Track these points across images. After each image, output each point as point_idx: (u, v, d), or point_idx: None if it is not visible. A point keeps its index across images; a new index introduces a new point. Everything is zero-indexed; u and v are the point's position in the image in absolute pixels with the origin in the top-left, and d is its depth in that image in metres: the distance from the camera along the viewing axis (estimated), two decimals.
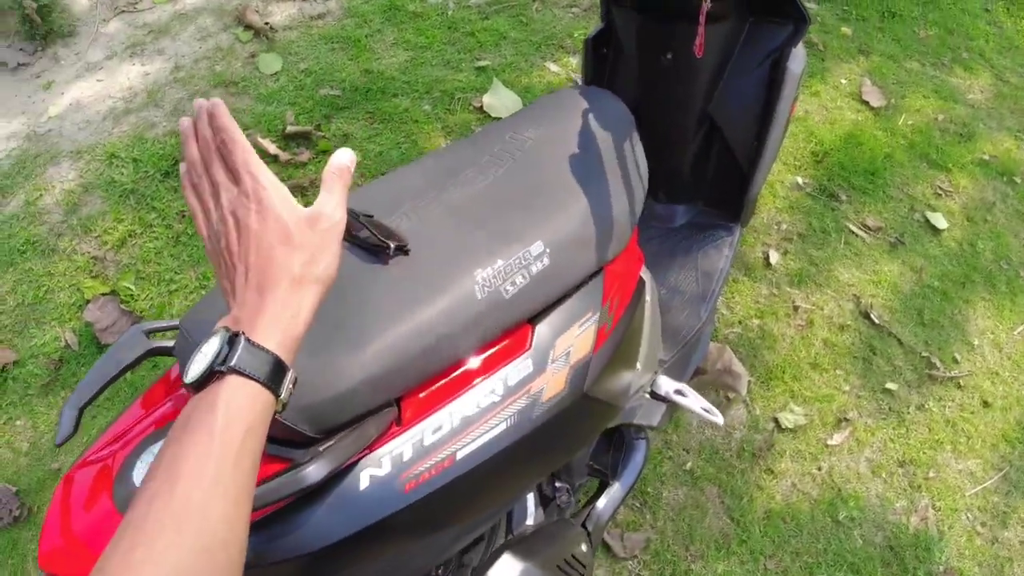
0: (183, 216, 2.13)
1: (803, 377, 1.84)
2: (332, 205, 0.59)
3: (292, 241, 0.55)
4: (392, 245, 0.83)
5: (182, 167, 0.62)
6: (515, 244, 0.88)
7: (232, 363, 0.50)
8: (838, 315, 1.97)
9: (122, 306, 1.98)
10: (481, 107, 2.40)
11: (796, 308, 1.96)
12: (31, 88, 2.46)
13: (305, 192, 2.17)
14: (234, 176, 0.57)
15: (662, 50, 1.42)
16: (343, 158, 0.62)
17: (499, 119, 2.36)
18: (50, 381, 1.91)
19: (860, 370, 1.88)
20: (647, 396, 1.29)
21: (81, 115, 2.36)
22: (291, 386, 0.54)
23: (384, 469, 0.76)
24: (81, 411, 0.84)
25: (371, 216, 0.90)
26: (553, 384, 0.89)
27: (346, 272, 0.84)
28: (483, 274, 0.84)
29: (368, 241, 0.84)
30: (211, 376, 0.51)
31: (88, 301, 1.99)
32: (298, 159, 2.22)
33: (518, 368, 0.86)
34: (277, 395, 0.53)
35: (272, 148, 2.21)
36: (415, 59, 2.53)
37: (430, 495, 0.78)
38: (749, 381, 1.80)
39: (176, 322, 0.91)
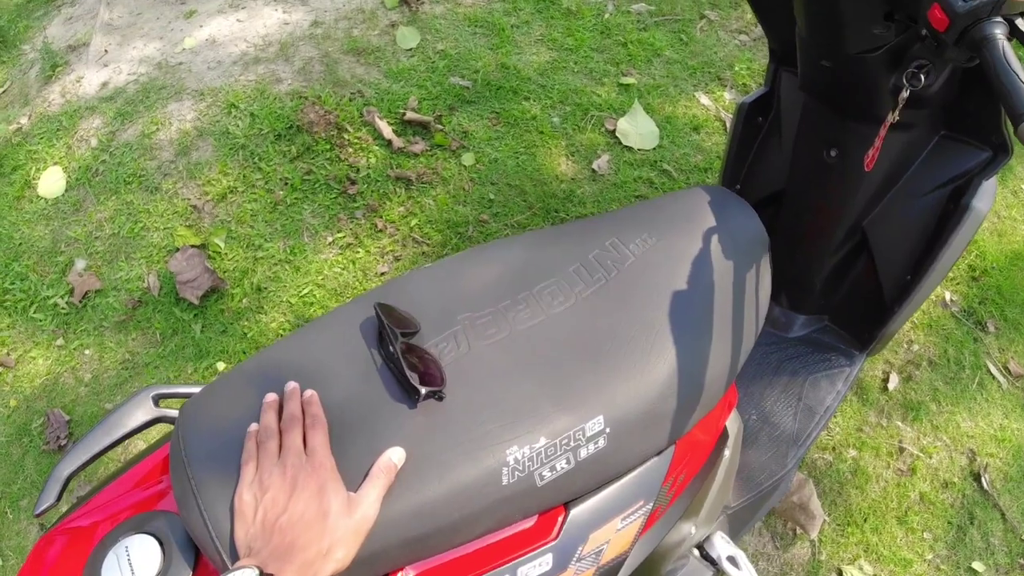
0: (286, 184, 2.11)
1: (885, 531, 1.66)
2: (370, 500, 0.66)
3: (327, 521, 0.63)
4: (423, 392, 0.73)
5: (252, 426, 0.72)
6: (568, 416, 0.75)
7: None
8: (946, 468, 1.76)
9: (207, 263, 1.99)
10: (614, 131, 2.25)
11: (902, 449, 1.77)
12: (174, 14, 2.48)
13: (409, 185, 2.11)
14: (308, 449, 0.68)
15: (827, 143, 1.21)
16: (393, 457, 0.69)
17: (630, 148, 2.23)
18: (125, 319, 1.96)
19: (951, 539, 1.68)
20: (695, 553, 1.17)
21: (214, 54, 2.36)
22: None
23: None
24: (69, 479, 0.80)
25: (416, 332, 0.81)
26: None
27: (366, 409, 0.75)
28: (518, 454, 0.72)
29: (401, 367, 0.75)
30: None
31: (177, 249, 2.02)
32: (410, 148, 2.15)
33: (534, 565, 0.76)
34: None
35: (387, 131, 2.15)
36: (557, 62, 2.40)
37: None
38: (824, 522, 1.64)
39: (189, 388, 0.86)
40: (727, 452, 1.10)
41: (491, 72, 2.34)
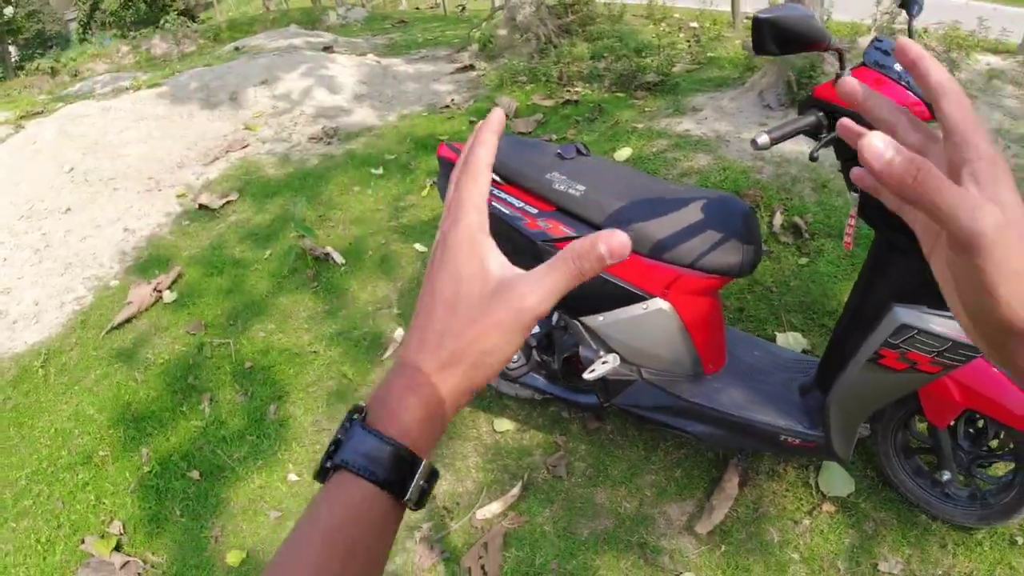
0: None
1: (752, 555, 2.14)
2: (548, 286, 0.44)
3: (457, 302, 0.44)
4: (577, 147, 2.10)
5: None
6: (579, 178, 2.01)
7: (341, 458, 0.43)
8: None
9: None
10: None
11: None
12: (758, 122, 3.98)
13: None
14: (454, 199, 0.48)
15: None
16: (602, 246, 0.43)
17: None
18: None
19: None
20: (592, 342, 2.13)
21: (748, 149, 3.78)
22: (423, 483, 0.45)
23: None
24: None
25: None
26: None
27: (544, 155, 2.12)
28: (557, 177, 2.02)
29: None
30: (326, 471, 0.45)
31: None
32: (781, 235, 3.20)
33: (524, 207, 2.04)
34: (400, 496, 0.44)
35: (777, 220, 3.24)
36: None
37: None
38: (726, 516, 2.22)
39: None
40: (642, 309, 2.03)
41: None
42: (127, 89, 5.88)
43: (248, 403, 2.83)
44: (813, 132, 1.66)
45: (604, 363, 2.09)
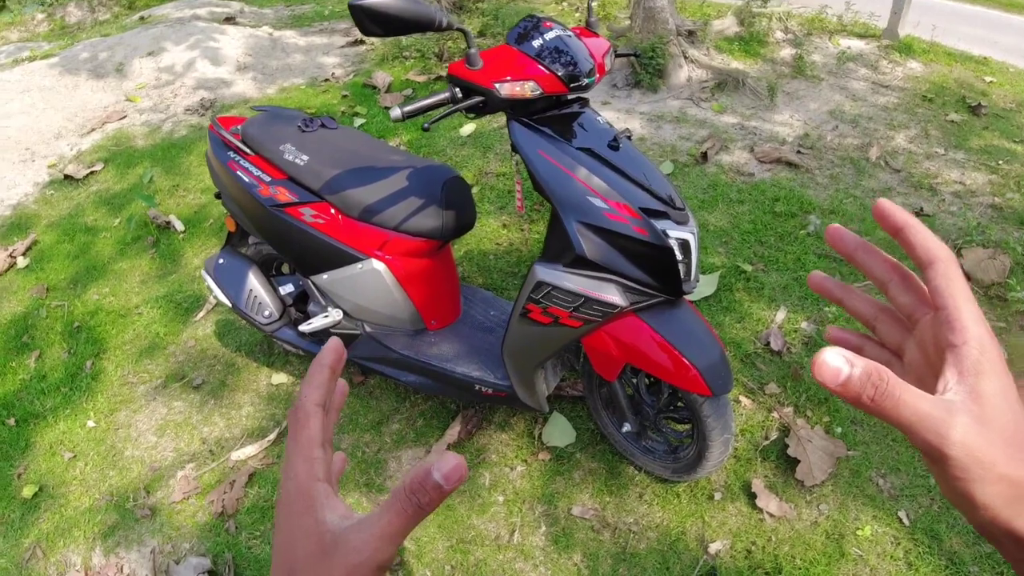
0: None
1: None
2: (380, 533, 0.40)
3: (295, 569, 0.41)
4: (323, 121, 2.43)
5: None
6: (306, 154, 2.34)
7: None
8: None
9: None
10: None
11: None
12: None
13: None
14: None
15: None
16: (449, 465, 0.40)
17: None
18: None
19: None
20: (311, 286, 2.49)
21: None
22: None
23: None
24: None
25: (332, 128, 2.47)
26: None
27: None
28: (292, 154, 2.34)
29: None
30: None
31: None
32: None
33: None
34: None
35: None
36: None
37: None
38: None
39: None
40: (358, 269, 2.33)
41: None
42: (24, 60, 6.11)
43: (70, 360, 3.19)
44: (451, 104, 1.79)
45: (325, 317, 2.43)
